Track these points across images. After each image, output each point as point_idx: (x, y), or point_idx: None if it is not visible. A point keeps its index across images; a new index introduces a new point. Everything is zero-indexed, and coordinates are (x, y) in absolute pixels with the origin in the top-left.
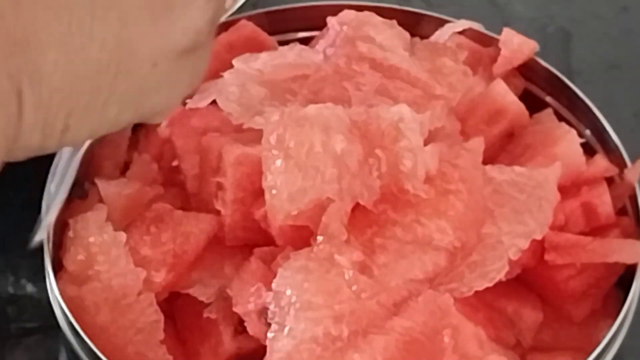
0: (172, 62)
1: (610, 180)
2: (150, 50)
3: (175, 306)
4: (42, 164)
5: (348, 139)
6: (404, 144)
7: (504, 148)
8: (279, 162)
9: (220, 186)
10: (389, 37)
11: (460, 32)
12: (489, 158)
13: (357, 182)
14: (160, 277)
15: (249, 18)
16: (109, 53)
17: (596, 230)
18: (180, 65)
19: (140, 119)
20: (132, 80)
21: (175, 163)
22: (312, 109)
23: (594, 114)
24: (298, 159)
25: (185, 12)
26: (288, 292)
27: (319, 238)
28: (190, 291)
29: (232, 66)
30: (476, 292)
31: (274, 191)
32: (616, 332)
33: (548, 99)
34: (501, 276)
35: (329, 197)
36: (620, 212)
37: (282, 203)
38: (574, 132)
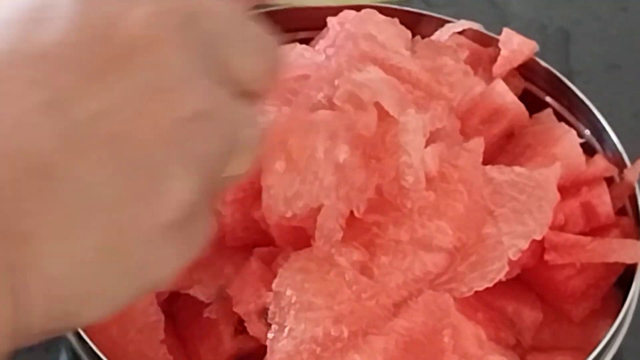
0: (166, 236)
1: (609, 180)
2: (141, 230)
3: (176, 306)
4: None
5: (352, 151)
6: (404, 159)
7: (504, 148)
8: (278, 164)
9: None
10: (390, 35)
11: (460, 32)
12: (489, 158)
13: (355, 194)
14: None
15: None
16: (102, 238)
17: (596, 230)
18: (176, 237)
19: (143, 292)
20: (130, 260)
21: None
22: (321, 114)
23: (593, 114)
24: (298, 163)
25: (170, 186)
26: (288, 292)
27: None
28: (190, 291)
29: None
30: (476, 292)
31: (271, 191)
32: (616, 332)
33: (548, 99)
34: (501, 276)
35: (324, 204)
36: (620, 212)
37: (277, 204)
38: (573, 132)
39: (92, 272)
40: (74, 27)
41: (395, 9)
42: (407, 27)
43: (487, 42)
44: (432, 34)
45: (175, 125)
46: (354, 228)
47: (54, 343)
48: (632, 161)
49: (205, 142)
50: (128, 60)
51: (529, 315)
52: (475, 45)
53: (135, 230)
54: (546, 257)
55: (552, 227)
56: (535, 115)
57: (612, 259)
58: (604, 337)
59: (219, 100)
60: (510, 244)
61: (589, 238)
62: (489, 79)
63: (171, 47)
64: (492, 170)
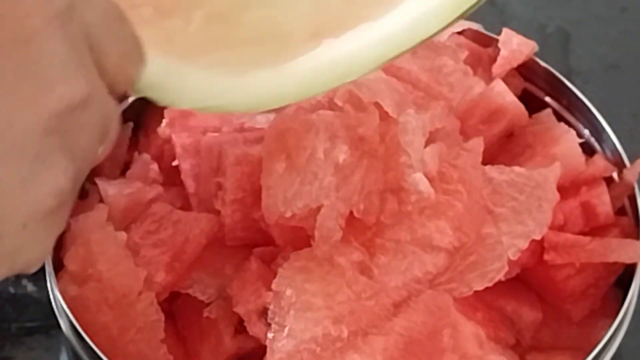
0: (40, 221)
1: (609, 180)
2: (20, 215)
3: (176, 306)
4: None
5: (352, 151)
6: (404, 159)
7: (503, 148)
8: (279, 164)
9: (220, 186)
10: None
11: (459, 32)
12: (489, 158)
13: (354, 194)
14: (160, 277)
15: None
16: None
17: (595, 230)
18: (48, 222)
19: (15, 273)
20: (4, 243)
21: (175, 163)
22: (321, 114)
23: (592, 114)
24: (298, 163)
25: (50, 175)
26: (288, 292)
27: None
28: (190, 291)
29: None
30: (475, 292)
31: (271, 191)
32: (615, 332)
33: (547, 99)
34: (500, 276)
35: (323, 204)
36: (619, 212)
37: (277, 204)
38: (573, 132)
39: None
40: None
41: None
42: None
43: (487, 42)
44: None
45: (57, 114)
46: (354, 228)
47: (54, 343)
48: (632, 161)
49: (84, 132)
50: (10, 49)
51: (529, 315)
52: (474, 46)
53: (11, 217)
54: (546, 257)
55: (552, 227)
56: (535, 115)
57: (612, 258)
58: (603, 336)
59: (98, 91)
60: (509, 244)
61: (588, 238)
62: (489, 79)
63: (54, 38)
64: (491, 170)
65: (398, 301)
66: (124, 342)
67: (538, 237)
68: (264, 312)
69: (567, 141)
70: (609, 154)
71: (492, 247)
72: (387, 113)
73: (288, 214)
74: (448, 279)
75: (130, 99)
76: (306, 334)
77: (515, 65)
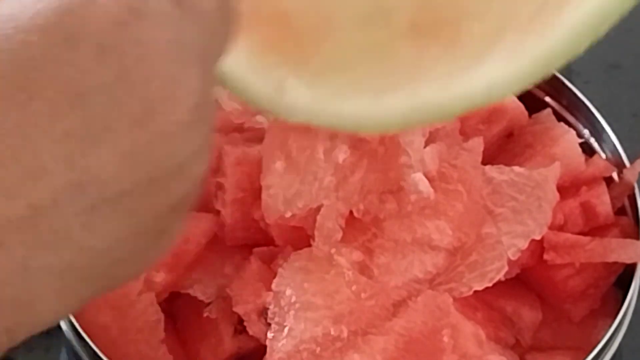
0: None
1: (609, 180)
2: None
3: (176, 306)
4: None
5: (352, 151)
6: (404, 159)
7: (503, 148)
8: (278, 164)
9: (220, 186)
10: None
11: None
12: (488, 158)
13: (354, 194)
14: (160, 277)
15: None
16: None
17: (595, 230)
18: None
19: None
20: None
21: None
22: None
23: (592, 114)
24: (298, 163)
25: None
26: (288, 292)
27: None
28: (190, 291)
29: None
30: (475, 292)
31: (271, 191)
32: (615, 332)
33: (547, 99)
34: (500, 276)
35: (323, 204)
36: (619, 212)
37: (277, 204)
38: (572, 132)
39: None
40: None
41: None
42: None
43: None
44: None
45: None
46: (354, 228)
47: (54, 343)
48: (631, 161)
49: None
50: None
51: (529, 314)
52: None
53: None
54: (545, 256)
55: (552, 227)
56: (535, 115)
57: (612, 258)
58: (603, 336)
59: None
60: (509, 244)
61: (588, 238)
62: None
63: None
64: (491, 170)
65: (398, 301)
66: (124, 342)
67: (538, 237)
68: (263, 312)
69: (567, 141)
70: (609, 154)
71: (492, 247)
72: None
73: (288, 214)
74: (448, 279)
75: None
76: (306, 334)
77: None
